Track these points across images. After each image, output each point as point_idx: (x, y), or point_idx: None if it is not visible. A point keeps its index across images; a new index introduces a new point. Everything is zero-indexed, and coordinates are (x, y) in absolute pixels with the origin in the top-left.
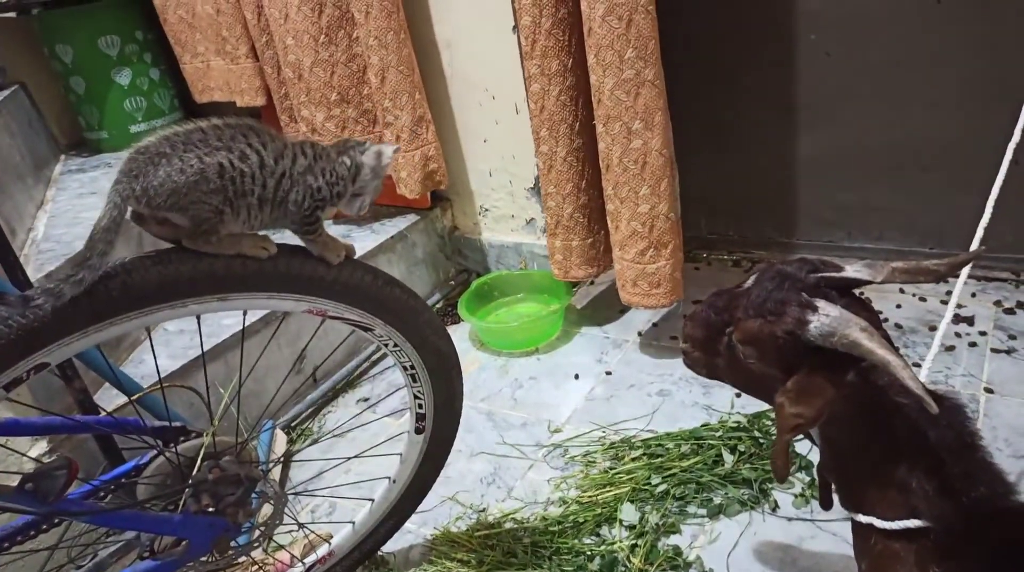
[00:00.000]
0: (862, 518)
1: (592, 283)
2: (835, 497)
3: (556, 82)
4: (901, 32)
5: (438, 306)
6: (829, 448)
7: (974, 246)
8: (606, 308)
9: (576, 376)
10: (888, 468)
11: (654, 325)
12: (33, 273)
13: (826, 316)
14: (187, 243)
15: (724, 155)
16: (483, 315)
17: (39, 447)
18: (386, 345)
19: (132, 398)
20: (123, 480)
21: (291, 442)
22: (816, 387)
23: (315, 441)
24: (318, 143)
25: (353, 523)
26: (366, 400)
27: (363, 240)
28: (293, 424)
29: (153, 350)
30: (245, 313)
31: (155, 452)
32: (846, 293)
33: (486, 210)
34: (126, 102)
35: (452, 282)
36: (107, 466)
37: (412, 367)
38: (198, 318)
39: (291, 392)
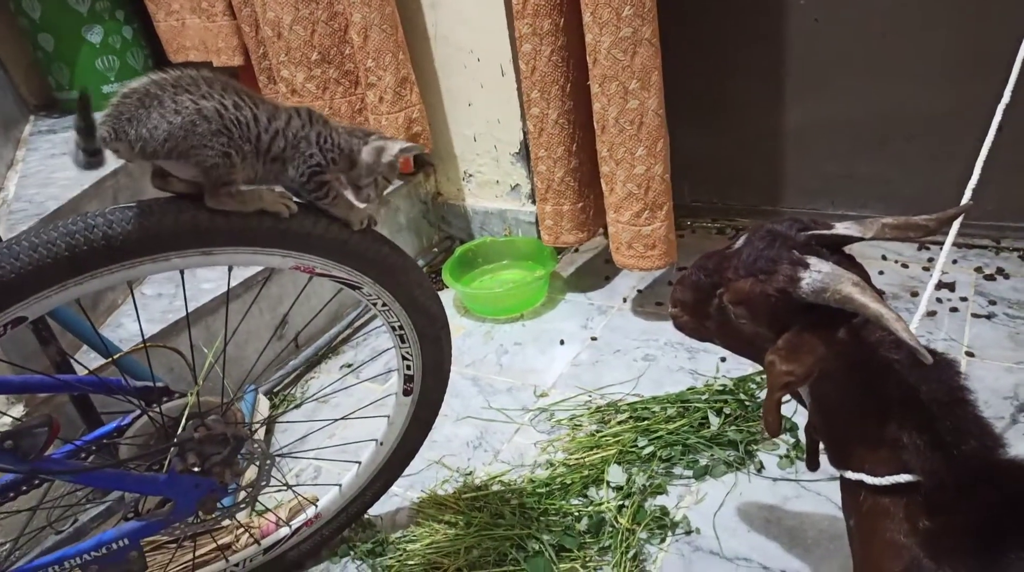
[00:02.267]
0: (851, 475)
1: (577, 250)
2: (823, 458)
3: (548, 42)
4: (891, 8)
5: None
6: (819, 407)
7: (965, 198)
8: (591, 275)
9: (561, 342)
10: (878, 424)
11: (639, 291)
12: (5, 233)
13: (818, 272)
14: (210, 202)
15: (710, 122)
16: (467, 282)
17: (16, 410)
18: (375, 304)
19: (114, 357)
20: (105, 440)
21: (274, 408)
22: (807, 344)
23: (298, 406)
24: (314, 110)
25: (340, 486)
26: (349, 366)
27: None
28: (275, 390)
29: (136, 308)
30: (230, 269)
31: (138, 413)
32: (836, 250)
33: (470, 175)
34: (97, 61)
35: (436, 249)
36: (86, 429)
37: (401, 327)
38: (182, 273)
39: (273, 358)
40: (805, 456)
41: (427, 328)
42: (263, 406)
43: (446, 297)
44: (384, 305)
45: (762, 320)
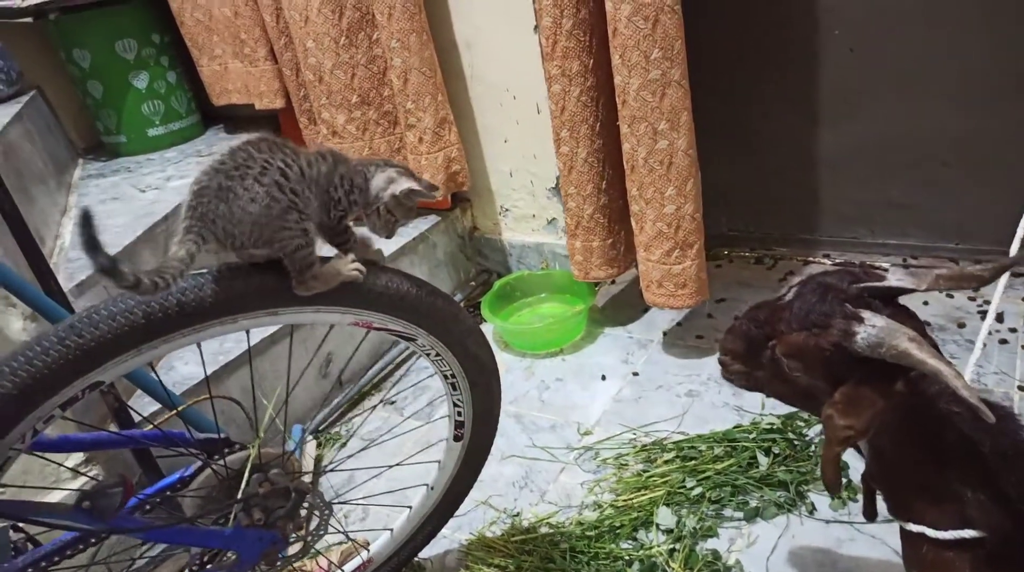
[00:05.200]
0: (913, 527)
1: (613, 282)
2: (880, 505)
3: (576, 83)
4: (924, 27)
5: None
6: (877, 458)
7: (1014, 249)
8: (628, 307)
9: (603, 377)
10: (940, 477)
11: (678, 324)
12: (64, 282)
13: (872, 327)
14: (300, 290)
15: (746, 151)
16: (506, 316)
17: (75, 458)
18: (428, 354)
19: (178, 409)
20: (168, 492)
21: (319, 446)
22: (865, 398)
23: (343, 445)
24: (338, 151)
25: (391, 530)
26: (392, 403)
27: (384, 242)
28: (320, 428)
29: (204, 364)
30: (293, 327)
31: (200, 464)
32: (890, 302)
33: (506, 210)
34: (144, 105)
35: (473, 282)
36: (142, 477)
37: (453, 376)
38: (247, 332)
39: (318, 396)
40: (862, 504)
41: (478, 376)
42: (310, 445)
43: (485, 331)
44: (437, 354)
45: (817, 373)
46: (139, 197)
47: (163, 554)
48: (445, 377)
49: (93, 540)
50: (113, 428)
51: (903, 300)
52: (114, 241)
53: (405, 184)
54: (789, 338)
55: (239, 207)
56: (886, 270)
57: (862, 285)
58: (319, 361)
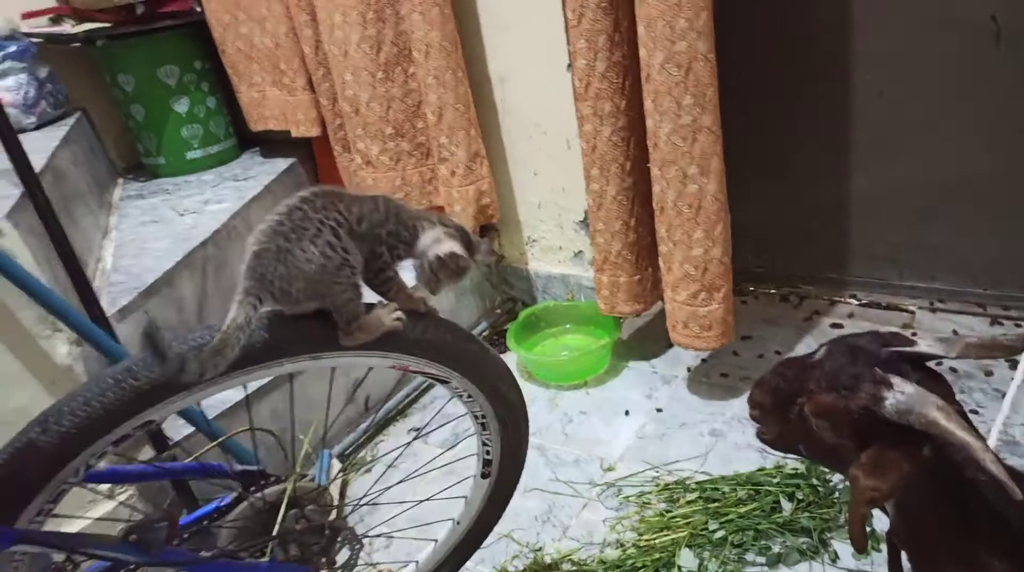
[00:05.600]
0: None
1: (638, 316)
2: (904, 563)
3: (608, 123)
4: (957, 72)
5: (484, 335)
6: (903, 519)
7: None
8: (653, 341)
9: (627, 412)
10: (966, 545)
11: (703, 361)
12: (107, 306)
13: (902, 393)
14: (346, 342)
15: (776, 188)
16: (530, 346)
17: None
18: (460, 396)
19: (220, 440)
20: (205, 523)
21: (343, 471)
22: (891, 461)
23: (368, 470)
24: (390, 199)
25: (417, 563)
26: (417, 429)
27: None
28: (346, 453)
29: (248, 403)
30: (333, 370)
31: (236, 495)
32: (919, 366)
33: (534, 241)
34: (183, 129)
35: (498, 311)
36: (175, 501)
37: (483, 417)
38: (291, 376)
39: (343, 421)
40: (888, 560)
41: (507, 417)
42: (335, 469)
43: (509, 360)
44: (469, 396)
45: (844, 433)
46: (178, 220)
47: None
48: (475, 417)
49: (133, 568)
50: (149, 453)
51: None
52: (155, 266)
53: (449, 247)
54: (819, 398)
55: (296, 267)
56: (915, 335)
57: (892, 349)
58: (345, 385)
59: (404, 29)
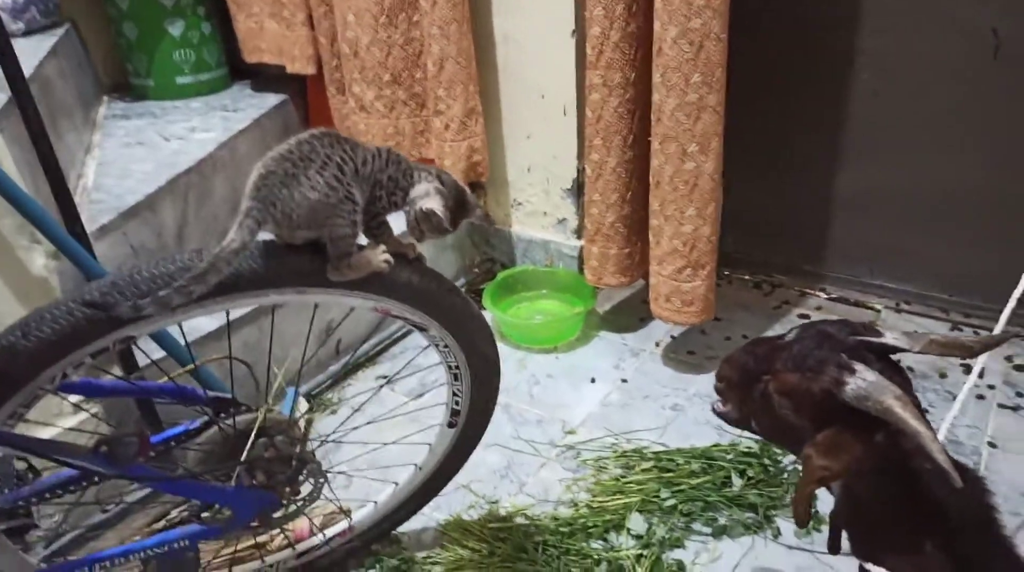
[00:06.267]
0: (873, 569)
1: (622, 287)
2: (844, 542)
3: (616, 94)
4: (954, 82)
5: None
6: (847, 500)
7: (999, 326)
8: (626, 315)
9: (592, 380)
10: (904, 529)
11: (673, 338)
12: (87, 223)
13: (863, 380)
14: (333, 276)
15: (762, 177)
16: (505, 307)
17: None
18: (437, 345)
19: (196, 365)
20: (173, 444)
21: (311, 410)
22: (845, 443)
23: (334, 412)
24: (396, 152)
25: (375, 503)
26: (385, 377)
27: (398, 221)
28: (313, 393)
29: (229, 330)
30: (316, 306)
31: (206, 420)
32: (883, 357)
33: (519, 204)
34: (175, 53)
35: (476, 270)
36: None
37: (457, 368)
38: (273, 306)
39: (313, 362)
40: (828, 538)
41: (481, 370)
42: (302, 409)
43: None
44: (446, 346)
45: (804, 413)
46: (163, 145)
47: (148, 499)
48: (449, 367)
49: (96, 480)
50: (116, 374)
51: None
52: (136, 187)
53: (431, 204)
54: (784, 376)
55: (300, 193)
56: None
57: (860, 338)
58: (318, 326)
59: None
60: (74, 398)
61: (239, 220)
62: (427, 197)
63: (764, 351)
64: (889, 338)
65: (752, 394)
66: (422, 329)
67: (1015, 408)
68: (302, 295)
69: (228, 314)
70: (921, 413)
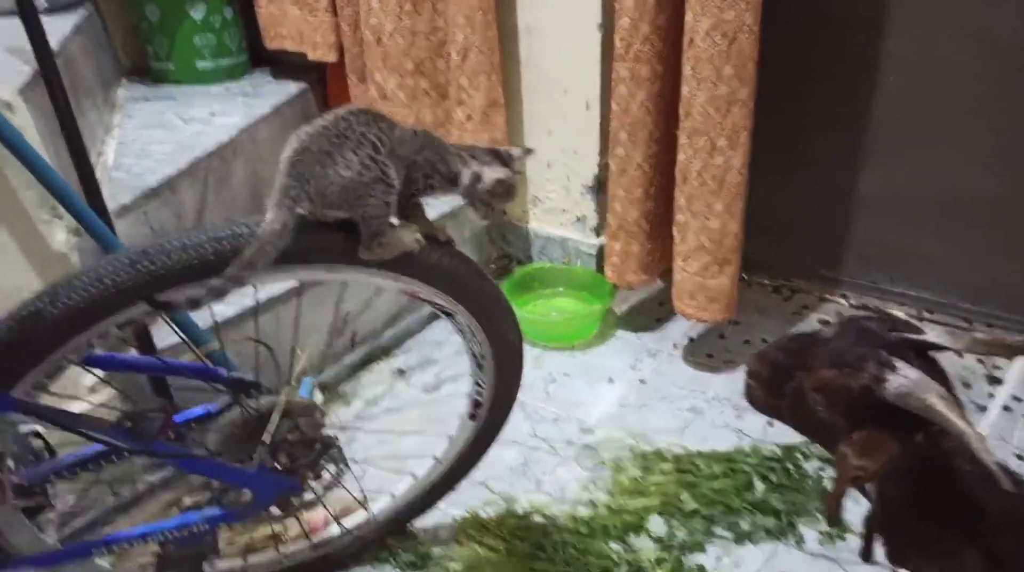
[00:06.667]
0: None
1: (631, 288)
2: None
3: (644, 87)
4: (978, 87)
5: None
6: (883, 503)
7: None
8: (644, 315)
9: (610, 380)
10: (941, 532)
11: (691, 340)
12: (108, 202)
13: (904, 378)
14: (364, 255)
15: (783, 178)
16: (521, 304)
17: (90, 378)
18: (463, 332)
19: (220, 345)
20: (193, 425)
21: (325, 402)
22: (882, 443)
23: (348, 404)
24: (431, 133)
25: (393, 495)
26: (402, 371)
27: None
28: (327, 384)
29: (257, 306)
30: (344, 285)
31: (228, 401)
32: (922, 355)
33: (538, 200)
34: (196, 37)
35: (493, 266)
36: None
37: (482, 357)
38: (300, 282)
39: (329, 353)
40: (861, 545)
41: (505, 360)
42: (316, 397)
43: None
44: (472, 334)
45: (839, 410)
46: (183, 127)
47: (161, 485)
48: (474, 356)
49: (115, 458)
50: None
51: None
52: (156, 168)
53: (492, 176)
54: (820, 373)
55: (334, 171)
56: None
57: (900, 335)
58: (336, 319)
59: None
60: (98, 372)
61: (276, 198)
62: (485, 174)
63: (798, 346)
64: (931, 336)
65: (784, 390)
66: (449, 314)
67: None
68: (331, 273)
69: (256, 290)
70: (963, 412)
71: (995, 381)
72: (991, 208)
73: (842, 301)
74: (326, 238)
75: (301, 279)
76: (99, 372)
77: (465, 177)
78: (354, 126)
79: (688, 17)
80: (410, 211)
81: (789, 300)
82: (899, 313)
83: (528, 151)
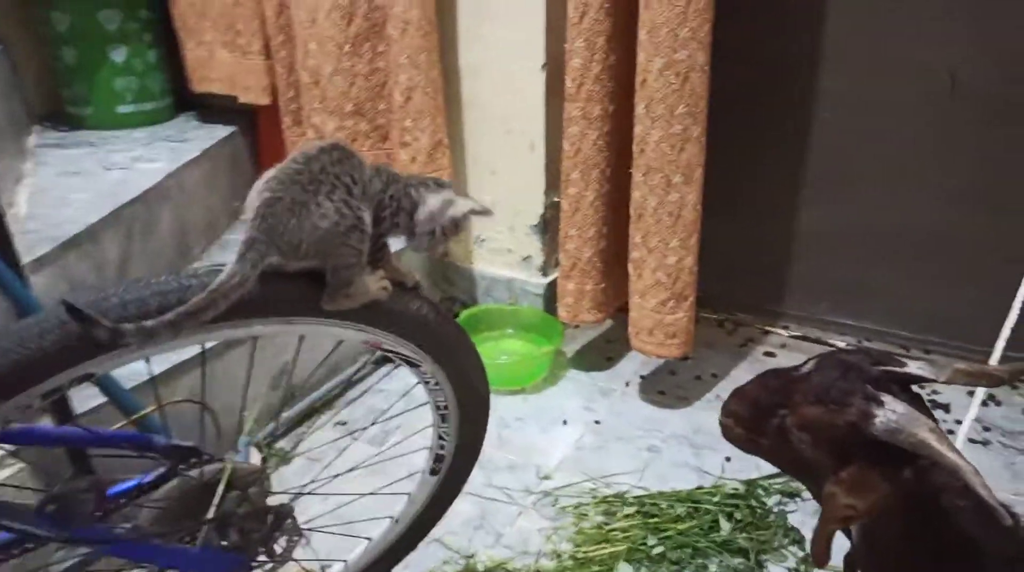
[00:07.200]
0: None
1: (577, 327)
2: None
3: (595, 127)
4: (914, 122)
5: None
6: (867, 543)
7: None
8: (594, 354)
9: (564, 421)
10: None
11: (642, 377)
12: (22, 254)
13: (892, 412)
14: (328, 306)
15: (726, 214)
16: None
17: None
18: (427, 383)
19: (160, 406)
20: (123, 500)
21: (264, 460)
22: (872, 481)
23: (287, 462)
24: (390, 168)
25: (346, 562)
26: (343, 423)
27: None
28: (267, 443)
29: (204, 364)
30: (301, 338)
31: (163, 471)
32: (906, 389)
33: (482, 241)
34: (117, 80)
35: None
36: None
37: (446, 407)
38: (254, 339)
39: (266, 409)
40: None
41: (471, 410)
42: (254, 458)
43: None
44: (437, 384)
45: (824, 448)
46: (104, 175)
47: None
48: (437, 407)
49: (30, 545)
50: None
51: None
52: (76, 217)
53: (465, 207)
54: (805, 410)
55: (310, 223)
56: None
57: (883, 368)
58: (274, 371)
59: (380, 3)
60: (8, 447)
61: (240, 251)
62: (453, 206)
63: (779, 384)
64: (913, 368)
65: (766, 428)
66: (414, 365)
67: (984, 443)
68: (289, 325)
69: (204, 348)
70: (953, 445)
71: (938, 407)
72: (928, 239)
73: (783, 333)
74: (283, 288)
75: (257, 334)
76: (8, 447)
77: (435, 202)
78: (327, 167)
79: (640, 57)
80: (377, 253)
81: (733, 334)
82: (839, 342)
83: (489, 213)
